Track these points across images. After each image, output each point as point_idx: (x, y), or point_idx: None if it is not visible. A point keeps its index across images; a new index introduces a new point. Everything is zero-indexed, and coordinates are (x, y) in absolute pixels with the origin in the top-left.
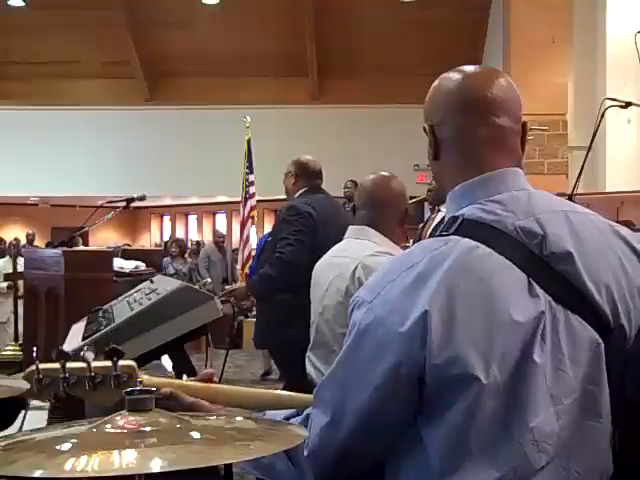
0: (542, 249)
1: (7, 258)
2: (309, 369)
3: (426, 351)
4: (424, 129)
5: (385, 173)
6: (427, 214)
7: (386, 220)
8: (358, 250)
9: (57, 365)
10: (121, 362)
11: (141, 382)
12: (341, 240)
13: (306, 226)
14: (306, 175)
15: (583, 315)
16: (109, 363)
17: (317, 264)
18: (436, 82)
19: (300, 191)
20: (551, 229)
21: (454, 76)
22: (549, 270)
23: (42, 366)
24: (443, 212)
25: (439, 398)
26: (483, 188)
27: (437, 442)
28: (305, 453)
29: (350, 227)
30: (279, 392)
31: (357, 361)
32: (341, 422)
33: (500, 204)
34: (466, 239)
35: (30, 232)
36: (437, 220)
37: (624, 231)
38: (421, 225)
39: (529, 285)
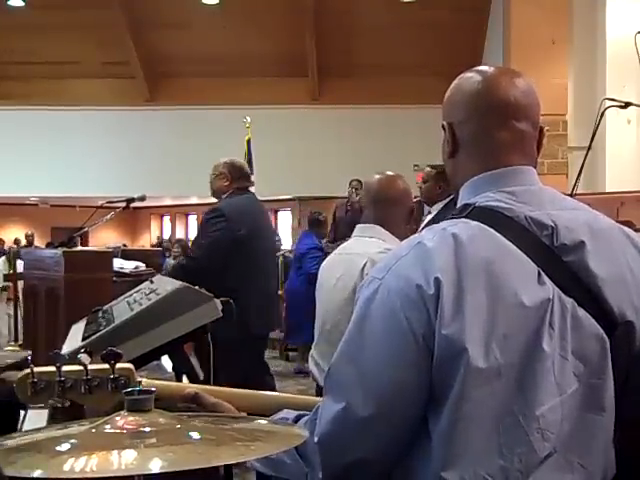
0: (553, 240)
1: (4, 259)
2: (312, 367)
3: (438, 319)
4: (442, 126)
5: (390, 172)
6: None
7: (392, 218)
8: (365, 247)
9: (52, 368)
10: (119, 365)
11: (140, 382)
12: (264, 235)
13: (225, 227)
14: (239, 178)
15: (589, 308)
16: (106, 366)
17: (324, 262)
18: (457, 81)
19: (229, 192)
20: (562, 222)
21: (478, 76)
22: (558, 261)
23: (37, 369)
24: (433, 213)
25: (442, 380)
26: (496, 181)
27: (440, 428)
28: (315, 440)
29: (357, 226)
30: (293, 396)
31: (370, 335)
32: (355, 405)
33: (512, 195)
34: (476, 222)
35: (29, 233)
36: (427, 220)
37: (632, 233)
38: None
39: (538, 274)
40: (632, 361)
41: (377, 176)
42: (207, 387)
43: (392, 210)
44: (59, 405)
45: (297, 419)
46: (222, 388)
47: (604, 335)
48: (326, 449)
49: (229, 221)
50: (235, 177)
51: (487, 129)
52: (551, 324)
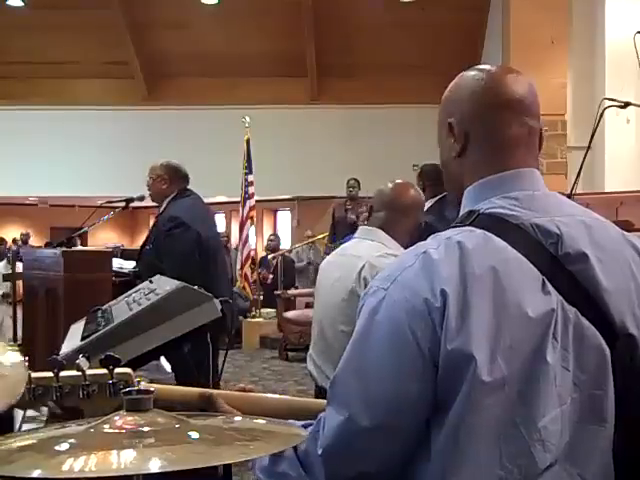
0: (558, 249)
1: (5, 261)
2: (310, 367)
3: (444, 331)
4: (449, 124)
5: (405, 181)
6: None
7: (400, 227)
8: (366, 250)
9: (50, 374)
10: (117, 369)
11: (139, 382)
12: (216, 235)
13: (189, 235)
14: (177, 179)
15: (592, 319)
16: (104, 371)
17: (324, 262)
18: (461, 78)
19: (171, 195)
20: (567, 230)
21: (484, 74)
22: (563, 270)
23: (35, 375)
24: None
25: (447, 391)
26: (502, 185)
27: (441, 438)
28: (319, 452)
29: (360, 227)
30: (312, 400)
31: (375, 347)
32: (359, 416)
33: (518, 201)
34: (481, 230)
35: (24, 232)
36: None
37: (637, 242)
38: None
39: (542, 283)
40: (633, 374)
41: (394, 183)
42: (220, 392)
43: (402, 219)
44: (57, 412)
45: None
46: (235, 393)
47: (605, 346)
48: (330, 461)
49: (190, 228)
50: (173, 179)
51: (500, 125)
52: (554, 335)
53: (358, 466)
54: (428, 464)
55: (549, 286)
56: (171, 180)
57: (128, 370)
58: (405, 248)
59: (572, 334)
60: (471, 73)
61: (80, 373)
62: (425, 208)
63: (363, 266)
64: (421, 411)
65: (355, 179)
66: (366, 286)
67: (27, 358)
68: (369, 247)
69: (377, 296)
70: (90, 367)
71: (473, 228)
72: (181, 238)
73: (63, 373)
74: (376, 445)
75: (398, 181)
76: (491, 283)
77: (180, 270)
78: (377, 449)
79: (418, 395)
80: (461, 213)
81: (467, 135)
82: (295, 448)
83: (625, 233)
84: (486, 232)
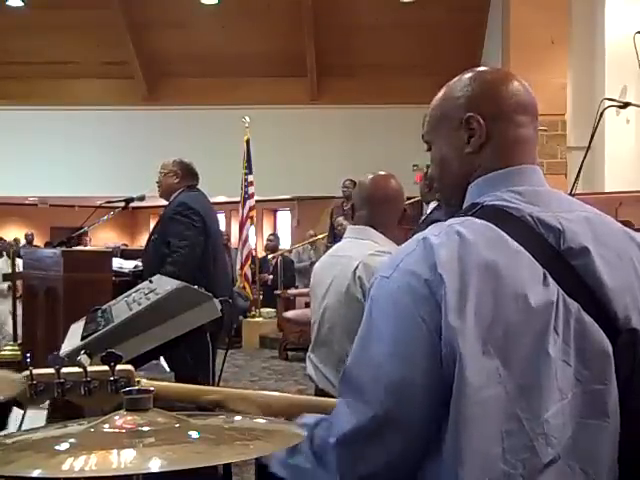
0: (559, 243)
1: (5, 258)
2: (309, 369)
3: (444, 315)
4: (467, 120)
5: (383, 172)
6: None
7: (385, 219)
8: (359, 250)
9: (51, 370)
10: (119, 366)
11: (139, 382)
12: (217, 235)
13: (197, 221)
14: (188, 175)
15: (594, 313)
16: (106, 368)
17: (317, 264)
18: (485, 76)
19: (180, 189)
20: (570, 226)
21: (505, 75)
22: (564, 264)
23: (36, 371)
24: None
25: (448, 376)
26: (505, 181)
27: (448, 434)
28: (332, 440)
29: (349, 227)
30: (324, 399)
31: (384, 334)
32: (370, 405)
33: (521, 195)
34: (483, 221)
35: (29, 232)
36: (422, 219)
37: (638, 237)
38: (420, 221)
39: (543, 276)
40: (637, 368)
41: (370, 176)
42: (233, 391)
43: (385, 211)
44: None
45: (317, 423)
46: (249, 391)
47: (607, 341)
48: (342, 451)
49: (196, 214)
50: (185, 175)
51: (518, 126)
52: (555, 328)
53: (369, 458)
54: (441, 464)
55: (550, 279)
56: (183, 175)
57: (129, 367)
58: (394, 236)
59: (573, 328)
60: (494, 72)
61: (81, 370)
62: (431, 207)
63: (357, 266)
64: (431, 397)
65: (350, 179)
66: (362, 286)
67: (29, 354)
68: (360, 246)
69: (380, 284)
70: (91, 364)
71: (475, 219)
72: (189, 221)
73: (64, 369)
74: (388, 436)
75: (376, 174)
76: (489, 272)
77: (187, 252)
78: (389, 440)
79: (427, 379)
80: (464, 207)
81: (489, 132)
82: (311, 442)
83: (629, 231)
84: (487, 223)
